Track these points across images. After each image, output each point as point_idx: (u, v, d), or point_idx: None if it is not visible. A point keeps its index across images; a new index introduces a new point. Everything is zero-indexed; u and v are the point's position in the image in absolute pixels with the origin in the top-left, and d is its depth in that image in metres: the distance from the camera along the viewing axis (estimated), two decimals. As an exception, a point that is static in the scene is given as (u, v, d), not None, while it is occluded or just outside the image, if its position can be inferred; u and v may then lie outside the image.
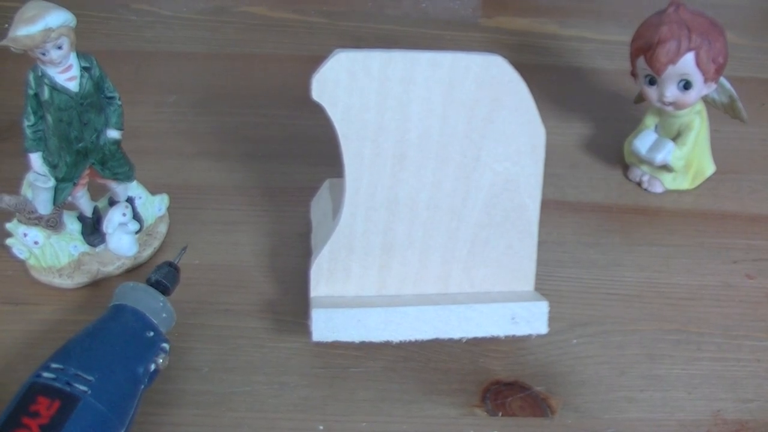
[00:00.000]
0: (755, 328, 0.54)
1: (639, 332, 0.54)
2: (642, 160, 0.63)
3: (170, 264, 0.49)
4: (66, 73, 0.49)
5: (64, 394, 0.41)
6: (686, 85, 0.58)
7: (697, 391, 0.50)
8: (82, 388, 0.41)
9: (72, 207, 0.56)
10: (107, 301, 0.47)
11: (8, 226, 0.54)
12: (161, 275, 0.48)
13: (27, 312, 0.53)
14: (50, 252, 0.54)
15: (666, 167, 0.62)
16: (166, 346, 0.46)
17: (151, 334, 0.46)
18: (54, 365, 0.42)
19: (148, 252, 0.57)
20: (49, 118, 0.49)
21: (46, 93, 0.49)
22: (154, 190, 0.58)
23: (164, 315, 0.47)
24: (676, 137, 0.62)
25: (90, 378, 0.42)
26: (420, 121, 0.47)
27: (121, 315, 0.46)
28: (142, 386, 0.44)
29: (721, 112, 0.65)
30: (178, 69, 0.76)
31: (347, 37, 0.81)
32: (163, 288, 0.48)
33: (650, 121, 0.63)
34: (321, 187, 0.57)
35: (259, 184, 0.63)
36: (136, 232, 0.56)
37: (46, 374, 0.41)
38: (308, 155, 0.66)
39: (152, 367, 0.45)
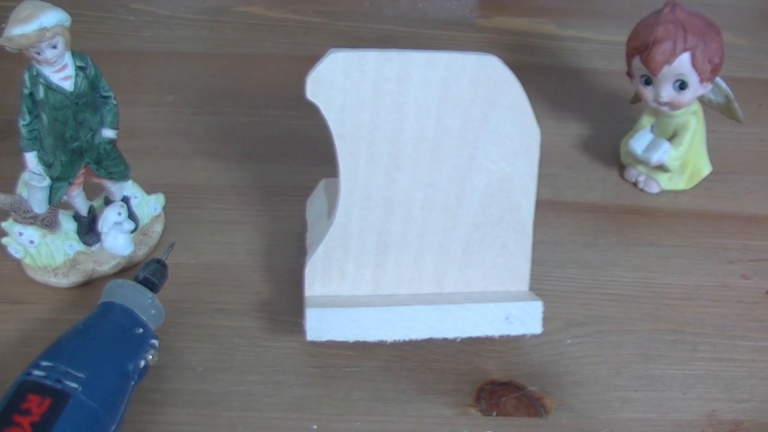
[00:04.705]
0: (751, 329, 0.54)
1: (635, 332, 0.54)
2: (638, 161, 0.63)
3: (158, 261, 0.49)
4: (61, 73, 0.49)
5: (55, 391, 0.41)
6: (682, 86, 0.58)
7: (692, 392, 0.50)
8: (73, 385, 0.41)
9: (67, 206, 0.56)
10: (102, 301, 0.48)
11: (4, 225, 0.54)
12: (149, 272, 0.48)
13: (22, 311, 0.53)
14: (46, 251, 0.54)
15: (662, 167, 0.62)
16: (155, 342, 0.46)
17: (141, 330, 0.46)
18: (44, 363, 0.42)
19: (143, 251, 0.57)
20: (44, 117, 0.49)
21: (41, 92, 0.49)
22: (150, 190, 0.58)
23: (153, 311, 0.47)
24: (672, 137, 0.62)
25: (80, 375, 0.42)
26: (415, 120, 0.47)
27: (111, 312, 0.46)
28: (132, 382, 0.45)
29: (717, 112, 0.65)
30: (175, 69, 0.76)
31: (345, 37, 0.81)
32: (151, 285, 0.48)
33: (646, 121, 0.63)
34: (316, 186, 0.57)
35: (255, 184, 0.63)
36: (132, 232, 0.56)
37: (36, 372, 0.42)
38: (304, 155, 0.66)
39: (142, 363, 0.45)
